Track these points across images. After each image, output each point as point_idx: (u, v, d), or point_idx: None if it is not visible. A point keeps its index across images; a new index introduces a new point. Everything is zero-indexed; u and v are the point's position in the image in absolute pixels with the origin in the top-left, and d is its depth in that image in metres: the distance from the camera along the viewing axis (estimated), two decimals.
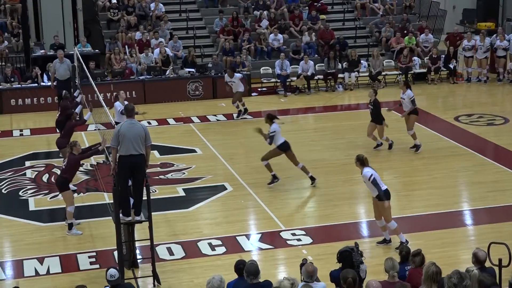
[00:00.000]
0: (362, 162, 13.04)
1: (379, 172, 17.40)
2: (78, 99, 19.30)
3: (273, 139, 16.27)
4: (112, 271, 9.88)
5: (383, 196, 12.93)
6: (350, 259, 9.53)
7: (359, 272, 9.42)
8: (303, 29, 28.69)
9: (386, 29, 29.06)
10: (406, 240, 13.16)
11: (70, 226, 14.38)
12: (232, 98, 22.58)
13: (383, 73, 26.84)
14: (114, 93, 20.72)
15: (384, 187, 13.08)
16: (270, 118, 16.41)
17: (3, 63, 25.61)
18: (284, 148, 16.43)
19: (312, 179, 16.63)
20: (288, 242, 13.79)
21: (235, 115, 22.53)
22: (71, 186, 14.96)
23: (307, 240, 13.86)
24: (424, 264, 9.11)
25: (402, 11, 31.01)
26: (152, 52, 26.18)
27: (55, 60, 22.85)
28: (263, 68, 26.89)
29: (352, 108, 24.23)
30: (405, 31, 28.74)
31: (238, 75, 22.51)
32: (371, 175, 12.88)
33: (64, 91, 19.30)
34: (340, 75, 26.58)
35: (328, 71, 26.26)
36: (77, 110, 18.13)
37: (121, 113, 17.07)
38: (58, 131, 18.50)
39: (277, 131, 16.26)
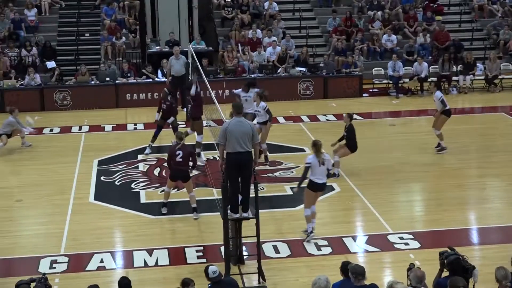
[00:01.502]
0: (314, 147, 13.49)
1: (492, 178, 17.03)
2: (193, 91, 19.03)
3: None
4: (213, 267, 10.00)
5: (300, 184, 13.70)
6: (460, 265, 9.27)
7: (473, 278, 9.16)
8: (417, 30, 28.20)
9: (504, 31, 28.21)
10: (312, 228, 13.63)
11: (195, 209, 14.87)
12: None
13: (499, 77, 26.06)
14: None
15: (320, 181, 13.41)
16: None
17: (121, 59, 26.33)
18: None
19: None
20: (395, 245, 13.57)
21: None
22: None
23: (415, 244, 13.59)
24: None
25: None
26: (265, 50, 26.35)
27: (171, 57, 23.30)
28: (375, 69, 26.59)
29: (466, 112, 23.60)
30: None
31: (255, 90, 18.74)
32: (307, 162, 13.42)
33: (171, 118, 19.23)
34: (454, 78, 25.99)
35: (442, 74, 25.71)
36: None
37: None
38: (170, 126, 18.81)
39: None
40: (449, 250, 9.59)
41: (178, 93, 22.86)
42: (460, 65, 26.07)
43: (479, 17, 29.93)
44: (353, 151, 17.15)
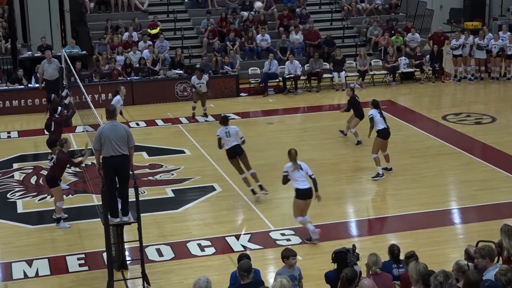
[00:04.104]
0: (290, 154, 13.76)
1: (368, 171, 17.48)
2: (66, 101, 19.23)
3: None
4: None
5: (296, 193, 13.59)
6: (345, 260, 9.53)
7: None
8: (290, 30, 28.66)
9: (374, 27, 29.11)
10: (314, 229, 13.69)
11: (58, 220, 14.59)
12: (199, 100, 22.59)
13: (370, 73, 26.89)
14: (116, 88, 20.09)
15: (303, 186, 13.51)
16: (222, 121, 15.98)
17: None
18: (230, 155, 15.88)
19: (261, 188, 16.05)
20: (278, 242, 13.78)
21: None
22: (64, 185, 15.12)
23: (296, 240, 13.86)
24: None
25: (389, 11, 31.11)
26: (141, 52, 26.17)
27: (43, 61, 22.90)
28: (251, 68, 26.85)
29: (341, 107, 24.17)
30: (393, 31, 28.86)
31: (206, 76, 22.66)
32: (285, 171, 13.66)
33: (53, 95, 19.21)
34: (327, 75, 26.59)
35: (313, 71, 26.26)
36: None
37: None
38: (46, 133, 18.44)
39: (221, 135, 15.70)
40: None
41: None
42: (331, 63, 26.67)
43: (349, 15, 30.71)
44: (361, 118, 19.09)
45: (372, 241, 13.69)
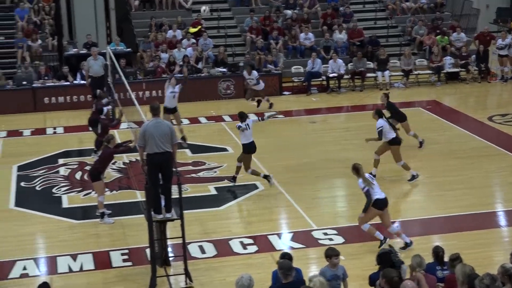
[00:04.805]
0: (357, 170, 13.10)
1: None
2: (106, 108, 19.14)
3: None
4: None
5: (367, 207, 13.13)
6: (390, 260, 9.43)
7: (401, 273, 9.33)
8: (334, 28, 28.53)
9: (419, 27, 28.87)
10: (388, 241, 13.15)
11: (102, 215, 14.73)
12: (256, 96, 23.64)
13: (415, 72, 26.66)
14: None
15: (381, 196, 13.12)
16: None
17: (37, 62, 25.82)
18: (250, 150, 16.39)
19: (266, 177, 16.46)
20: (320, 241, 13.74)
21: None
22: None
23: (339, 239, 13.80)
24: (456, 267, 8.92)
25: (434, 10, 30.83)
26: (185, 49, 26.28)
27: (89, 58, 23.13)
28: (295, 67, 26.82)
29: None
30: (438, 30, 28.58)
31: (255, 72, 23.13)
32: (364, 187, 13.04)
33: (98, 90, 19.38)
34: (371, 75, 26.45)
35: (357, 70, 26.13)
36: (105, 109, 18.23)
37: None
38: (90, 129, 18.64)
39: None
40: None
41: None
42: (375, 62, 26.52)
43: (393, 14, 30.49)
44: (405, 119, 18.69)
45: (416, 242, 13.52)
